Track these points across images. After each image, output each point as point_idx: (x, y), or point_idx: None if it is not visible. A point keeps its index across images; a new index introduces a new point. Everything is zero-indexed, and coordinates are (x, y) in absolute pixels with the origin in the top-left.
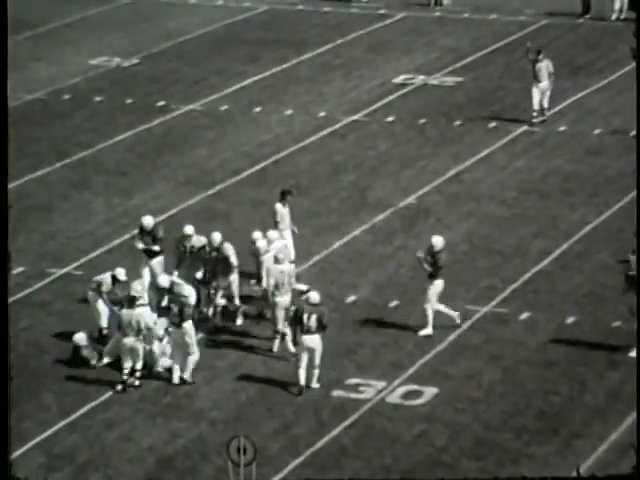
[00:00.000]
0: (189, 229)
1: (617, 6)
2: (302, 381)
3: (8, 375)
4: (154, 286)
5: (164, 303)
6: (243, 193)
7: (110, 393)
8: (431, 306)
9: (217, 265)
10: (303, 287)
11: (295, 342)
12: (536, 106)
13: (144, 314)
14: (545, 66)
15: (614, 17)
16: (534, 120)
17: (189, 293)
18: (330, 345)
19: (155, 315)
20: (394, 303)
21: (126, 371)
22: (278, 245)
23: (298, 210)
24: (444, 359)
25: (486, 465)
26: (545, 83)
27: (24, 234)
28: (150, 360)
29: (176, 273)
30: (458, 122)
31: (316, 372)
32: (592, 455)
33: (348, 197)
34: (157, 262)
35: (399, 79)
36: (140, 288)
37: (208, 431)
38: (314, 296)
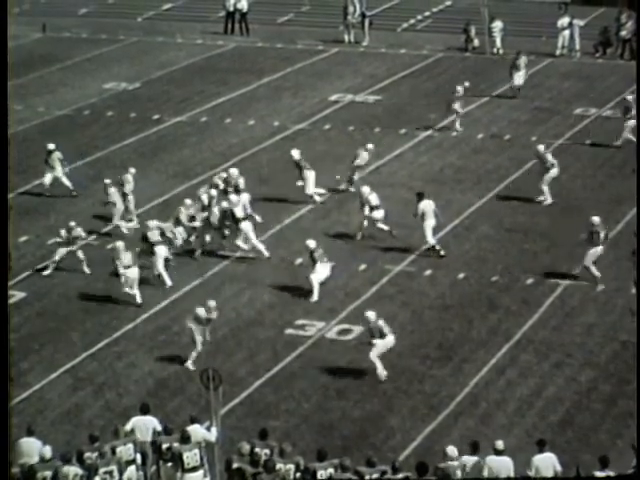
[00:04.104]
0: None
1: (498, 44)
2: None
3: (8, 375)
4: None
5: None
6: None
7: (120, 332)
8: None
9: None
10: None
11: None
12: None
13: None
14: (523, 61)
15: (495, 51)
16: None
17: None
18: (283, 294)
19: None
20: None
21: None
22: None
23: (258, 195)
24: (368, 305)
25: (400, 384)
26: (522, 72)
27: (54, 214)
28: None
29: None
30: (377, 129)
31: None
32: (476, 376)
33: (297, 185)
34: None
35: (333, 97)
36: None
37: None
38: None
